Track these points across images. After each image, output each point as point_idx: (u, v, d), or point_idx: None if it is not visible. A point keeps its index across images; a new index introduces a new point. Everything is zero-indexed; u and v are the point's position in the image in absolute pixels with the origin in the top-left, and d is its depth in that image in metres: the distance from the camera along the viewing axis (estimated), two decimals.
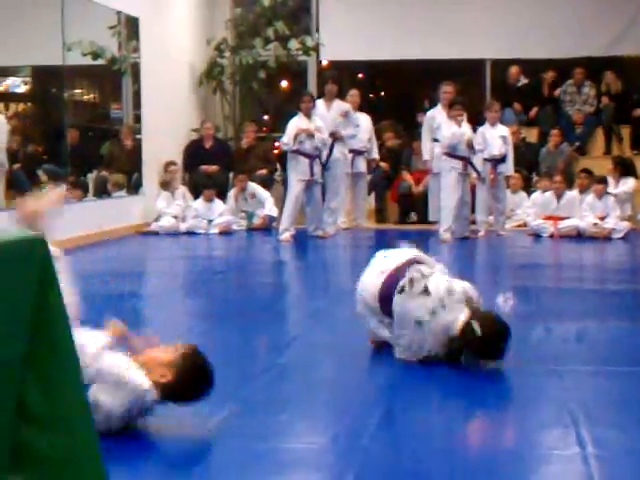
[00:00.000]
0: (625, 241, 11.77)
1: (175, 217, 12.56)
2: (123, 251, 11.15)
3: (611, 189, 12.52)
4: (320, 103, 12.43)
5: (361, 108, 13.42)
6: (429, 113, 12.91)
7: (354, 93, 13.33)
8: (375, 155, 13.53)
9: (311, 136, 11.60)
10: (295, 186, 11.72)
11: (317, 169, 11.78)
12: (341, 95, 13.06)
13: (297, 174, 11.70)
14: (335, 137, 12.25)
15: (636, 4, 15.09)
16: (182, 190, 13.10)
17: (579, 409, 4.16)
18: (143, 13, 12.70)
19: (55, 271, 2.30)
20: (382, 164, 13.92)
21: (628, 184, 12.72)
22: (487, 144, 12.03)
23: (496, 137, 12.11)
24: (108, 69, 12.59)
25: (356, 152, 13.05)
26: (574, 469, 3.50)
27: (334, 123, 12.37)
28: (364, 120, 13.22)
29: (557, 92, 15.04)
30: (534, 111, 15.05)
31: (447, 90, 12.56)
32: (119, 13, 12.49)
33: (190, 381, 3.71)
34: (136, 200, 12.76)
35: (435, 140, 12.48)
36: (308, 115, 11.74)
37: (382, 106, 17.03)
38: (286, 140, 11.68)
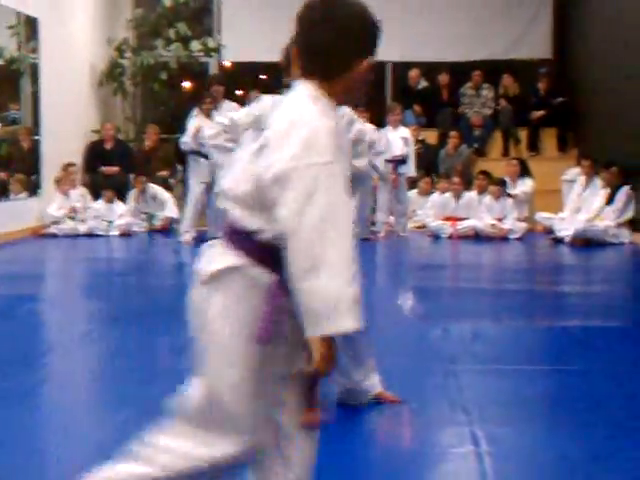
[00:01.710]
0: (522, 241, 12.00)
1: (72, 218, 12.42)
2: (19, 254, 10.95)
3: (510, 190, 12.74)
4: None
5: None
6: None
7: (256, 94, 13.31)
8: None
9: None
10: (196, 188, 11.68)
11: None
12: (243, 96, 13.04)
13: (198, 176, 11.66)
14: None
15: (533, 9, 15.41)
16: (81, 191, 12.95)
17: (473, 407, 4.25)
18: (42, 13, 12.52)
19: None
20: None
21: (526, 185, 12.94)
22: (389, 145, 12.15)
23: (397, 138, 12.25)
24: (6, 69, 12.38)
25: None
26: (469, 467, 3.58)
27: None
28: None
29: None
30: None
31: None
32: (18, 13, 12.28)
33: None
34: (34, 202, 12.55)
35: None
36: (208, 116, 11.70)
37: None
38: (186, 139, 11.63)
